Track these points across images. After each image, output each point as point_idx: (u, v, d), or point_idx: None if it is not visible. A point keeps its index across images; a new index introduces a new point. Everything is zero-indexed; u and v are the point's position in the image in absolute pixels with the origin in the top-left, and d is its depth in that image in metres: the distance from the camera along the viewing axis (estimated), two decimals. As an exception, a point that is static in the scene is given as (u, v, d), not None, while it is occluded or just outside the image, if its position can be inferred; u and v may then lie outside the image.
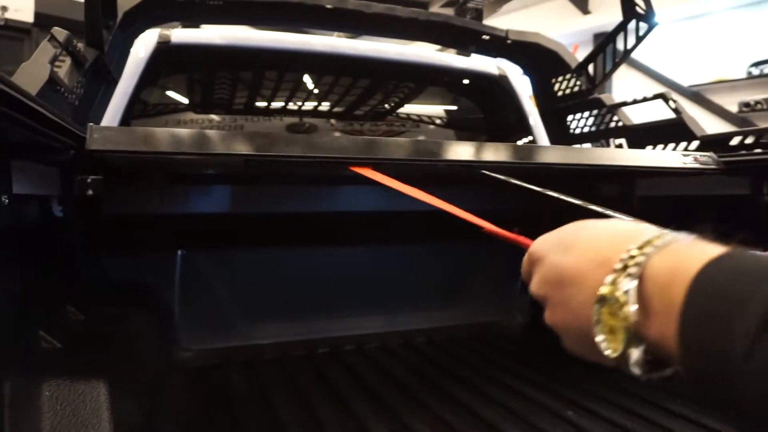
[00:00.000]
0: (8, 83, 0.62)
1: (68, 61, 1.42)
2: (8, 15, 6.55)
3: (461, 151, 1.53)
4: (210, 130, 2.30)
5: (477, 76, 2.80)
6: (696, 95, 7.70)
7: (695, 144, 1.92)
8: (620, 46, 2.23)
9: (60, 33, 1.37)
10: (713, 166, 1.66)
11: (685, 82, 7.88)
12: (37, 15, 5.91)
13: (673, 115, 1.99)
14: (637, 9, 2.07)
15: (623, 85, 8.19)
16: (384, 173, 1.55)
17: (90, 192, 1.59)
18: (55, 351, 1.11)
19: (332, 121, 2.59)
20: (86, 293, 1.72)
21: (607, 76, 2.30)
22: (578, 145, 2.51)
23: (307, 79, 2.69)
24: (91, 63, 1.58)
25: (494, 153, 1.53)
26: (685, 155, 1.68)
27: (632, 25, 2.12)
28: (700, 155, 1.68)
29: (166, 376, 1.65)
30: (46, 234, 1.44)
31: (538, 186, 1.41)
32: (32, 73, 1.17)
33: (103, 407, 1.03)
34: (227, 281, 2.21)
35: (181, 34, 2.29)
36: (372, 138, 1.73)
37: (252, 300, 2.24)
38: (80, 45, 1.52)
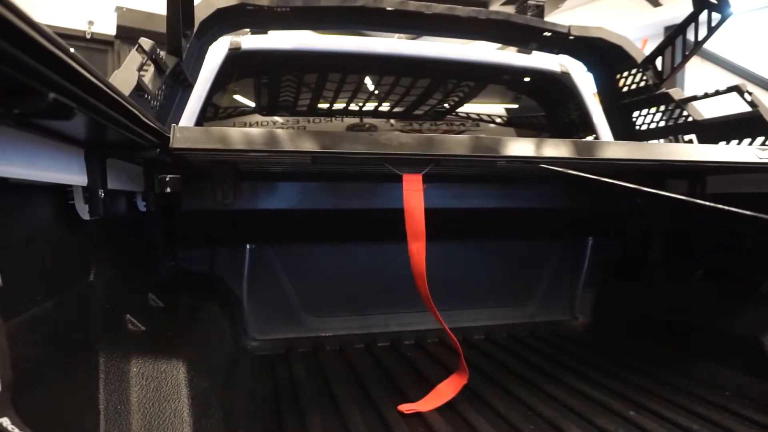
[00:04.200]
0: (112, 87, 0.70)
1: (152, 68, 1.54)
2: (94, 29, 7.10)
3: (520, 147, 1.51)
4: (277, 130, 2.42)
5: (539, 74, 2.77)
6: (777, 87, 7.21)
7: None
8: (690, 37, 2.15)
9: (146, 43, 1.50)
10: None
11: (766, 73, 7.40)
12: (118, 28, 6.35)
13: (749, 108, 1.90)
14: (710, -2, 1.98)
15: (696, 78, 7.78)
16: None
17: (168, 189, 1.73)
18: (139, 333, 1.22)
19: (392, 121, 2.64)
20: (165, 283, 1.86)
21: (675, 69, 2.21)
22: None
23: (368, 81, 2.76)
24: (171, 69, 1.71)
25: (554, 149, 1.48)
26: (761, 149, 1.54)
27: (704, 15, 2.04)
28: None
29: (235, 362, 1.75)
30: (132, 226, 1.57)
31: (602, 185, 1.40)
32: (123, 80, 1.29)
33: (182, 384, 1.13)
34: (292, 275, 2.31)
35: (250, 41, 2.42)
36: (431, 135, 1.71)
37: (315, 294, 2.33)
38: (162, 53, 1.65)
